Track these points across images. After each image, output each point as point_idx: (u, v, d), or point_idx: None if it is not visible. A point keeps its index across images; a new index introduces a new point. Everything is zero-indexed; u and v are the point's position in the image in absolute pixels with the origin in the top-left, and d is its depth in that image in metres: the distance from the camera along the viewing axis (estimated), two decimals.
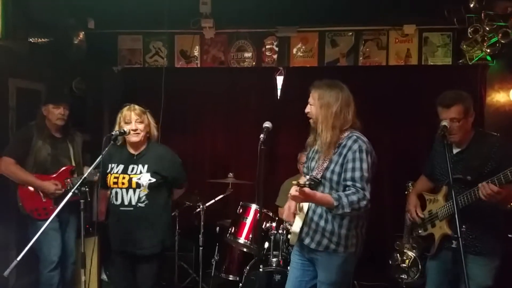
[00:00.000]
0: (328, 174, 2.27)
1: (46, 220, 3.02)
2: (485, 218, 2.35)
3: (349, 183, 2.19)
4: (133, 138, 2.70)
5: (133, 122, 2.68)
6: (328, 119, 2.26)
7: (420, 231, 2.69)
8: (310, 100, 2.37)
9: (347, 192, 2.17)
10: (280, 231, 3.38)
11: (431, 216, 2.59)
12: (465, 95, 2.42)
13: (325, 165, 2.29)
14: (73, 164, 3.30)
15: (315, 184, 2.23)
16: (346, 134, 2.29)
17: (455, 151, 2.50)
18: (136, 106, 2.75)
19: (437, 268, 2.56)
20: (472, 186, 2.29)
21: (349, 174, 2.20)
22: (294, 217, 2.45)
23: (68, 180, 3.22)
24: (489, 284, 2.37)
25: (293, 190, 2.08)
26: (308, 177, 2.13)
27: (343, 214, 2.16)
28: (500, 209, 2.38)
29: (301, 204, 2.38)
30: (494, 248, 2.39)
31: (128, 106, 2.74)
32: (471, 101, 2.42)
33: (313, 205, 2.35)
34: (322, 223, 2.30)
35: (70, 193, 2.39)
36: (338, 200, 2.12)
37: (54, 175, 3.19)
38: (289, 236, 2.59)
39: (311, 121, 2.37)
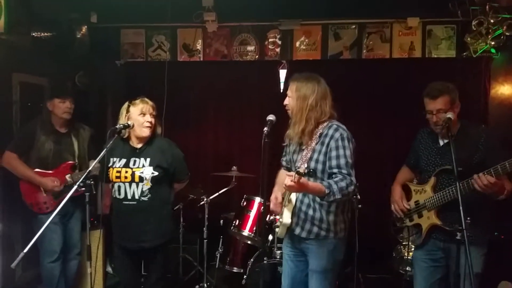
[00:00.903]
0: (312, 164, 2.32)
1: (47, 214, 3.09)
2: (474, 208, 2.34)
3: (335, 170, 2.26)
4: (147, 131, 2.69)
5: (148, 114, 2.69)
6: (303, 111, 2.33)
7: (405, 221, 2.70)
8: (288, 92, 2.44)
9: (335, 179, 2.23)
10: None
11: (418, 206, 2.60)
12: (451, 87, 2.45)
13: (308, 155, 2.33)
14: (76, 159, 3.30)
15: (307, 174, 2.24)
16: (325, 124, 2.35)
17: (441, 142, 2.54)
18: (149, 100, 2.75)
19: (425, 258, 2.57)
20: (462, 177, 2.30)
21: (334, 162, 2.27)
22: (282, 208, 2.48)
23: (68, 176, 3.20)
24: (479, 272, 2.39)
25: (289, 180, 2.09)
26: (304, 166, 2.14)
27: (334, 200, 2.20)
28: (489, 200, 2.39)
29: (289, 195, 2.41)
30: (482, 237, 2.42)
31: (141, 99, 2.73)
32: (457, 93, 2.46)
33: (300, 195, 2.40)
34: (310, 211, 2.36)
35: (75, 187, 2.37)
36: (329, 187, 2.17)
37: (54, 171, 3.20)
38: (276, 229, 2.59)
39: (289, 112, 2.43)
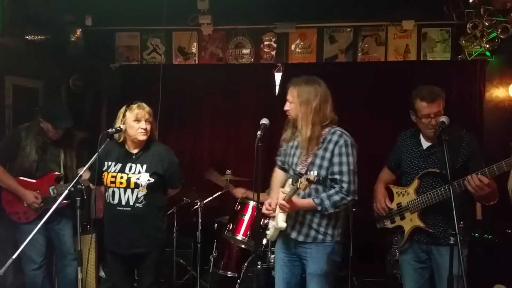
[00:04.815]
0: (315, 170, 2.29)
1: (26, 224, 3.07)
2: (455, 210, 2.36)
3: (336, 176, 2.27)
4: (142, 136, 2.64)
5: (142, 120, 2.64)
6: (308, 116, 2.31)
7: (386, 223, 2.69)
8: (289, 97, 2.40)
9: (329, 193, 2.26)
10: None
11: (400, 208, 2.59)
12: (441, 90, 2.48)
13: (309, 160, 2.32)
14: (61, 170, 3.20)
15: (317, 182, 2.24)
16: (327, 129, 2.34)
17: (425, 145, 2.54)
18: (146, 106, 2.71)
19: (412, 261, 2.58)
20: (446, 181, 2.29)
21: (336, 168, 2.29)
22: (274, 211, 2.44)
23: (52, 188, 3.12)
24: (462, 273, 2.39)
25: (281, 199, 2.13)
26: (314, 173, 2.11)
27: (329, 214, 2.25)
28: (469, 202, 2.42)
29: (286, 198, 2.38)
30: (464, 239, 2.39)
31: (138, 104, 2.68)
32: (445, 97, 2.49)
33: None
34: (309, 215, 2.34)
35: (66, 191, 2.36)
36: (321, 204, 2.22)
37: (38, 181, 3.11)
38: (267, 232, 2.55)
39: (290, 117, 2.42)
